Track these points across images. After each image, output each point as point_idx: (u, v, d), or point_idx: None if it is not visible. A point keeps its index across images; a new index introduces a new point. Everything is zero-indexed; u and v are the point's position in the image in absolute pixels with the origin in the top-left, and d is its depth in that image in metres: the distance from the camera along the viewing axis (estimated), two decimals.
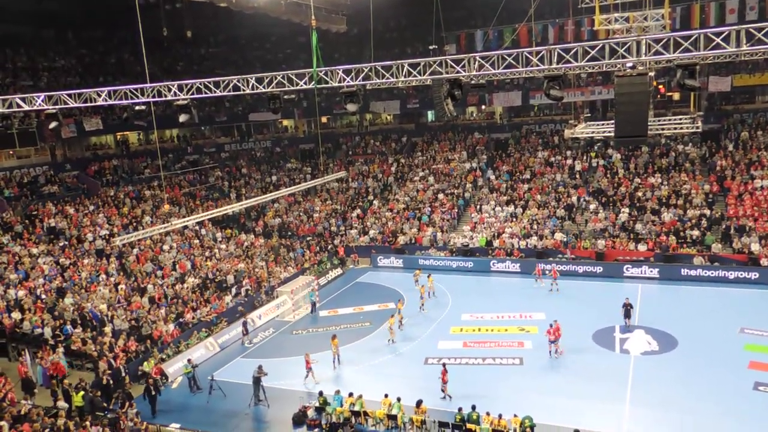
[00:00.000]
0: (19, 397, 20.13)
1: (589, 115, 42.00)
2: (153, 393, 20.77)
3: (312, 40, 17.99)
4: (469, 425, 17.62)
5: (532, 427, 17.24)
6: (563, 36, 40.61)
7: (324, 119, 54.17)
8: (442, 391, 20.43)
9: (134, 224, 34.59)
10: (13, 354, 24.15)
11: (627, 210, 36.22)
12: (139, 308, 27.09)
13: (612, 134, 21.17)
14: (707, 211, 34.45)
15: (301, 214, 43.60)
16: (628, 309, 25.47)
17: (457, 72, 16.21)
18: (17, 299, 25.60)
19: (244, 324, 27.57)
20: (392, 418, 18.64)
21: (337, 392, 19.84)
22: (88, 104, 19.63)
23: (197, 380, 22.71)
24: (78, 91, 19.53)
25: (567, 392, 20.43)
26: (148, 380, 21.22)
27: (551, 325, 23.34)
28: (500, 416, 17.71)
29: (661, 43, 14.06)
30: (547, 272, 32.13)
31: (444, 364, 21.16)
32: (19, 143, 35.23)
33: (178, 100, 18.38)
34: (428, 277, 31.76)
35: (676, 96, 42.49)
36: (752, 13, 36.55)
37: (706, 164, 38.52)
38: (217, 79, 18.26)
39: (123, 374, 22.34)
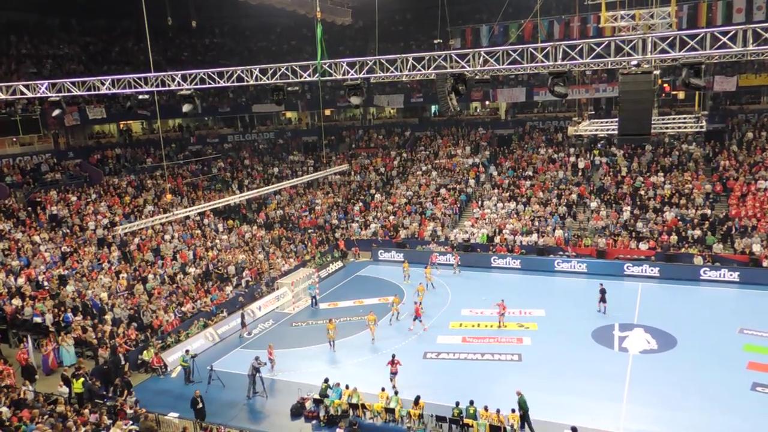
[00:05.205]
0: (19, 384, 20.20)
1: (593, 112, 41.89)
2: (200, 406, 19.20)
3: (317, 32, 17.93)
4: (466, 420, 17.67)
5: (525, 409, 17.61)
6: (569, 32, 40.49)
7: (327, 112, 54.11)
8: (391, 381, 20.33)
9: (136, 213, 34.65)
10: (13, 341, 24.24)
11: (629, 208, 36.17)
12: (140, 298, 27.16)
13: (615, 132, 21.08)
14: (709, 211, 34.40)
15: (303, 206, 43.64)
16: (602, 294, 26.97)
17: (462, 67, 16.13)
18: (18, 286, 25.69)
19: (242, 316, 27.64)
20: (390, 411, 18.71)
21: (337, 385, 19.91)
22: (92, 92, 19.56)
23: (192, 373, 22.72)
24: (82, 79, 19.46)
25: (565, 389, 20.45)
26: (195, 394, 19.34)
27: (503, 300, 26.38)
28: (499, 412, 17.74)
29: (667, 42, 13.99)
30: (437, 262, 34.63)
31: (393, 355, 20.96)
32: (23, 130, 35.39)
33: (181, 89, 18.33)
34: (425, 268, 32.10)
35: (681, 95, 42.39)
36: (760, 13, 36.34)
37: (709, 164, 38.42)
38: (221, 69, 18.20)
39: (123, 362, 22.45)
